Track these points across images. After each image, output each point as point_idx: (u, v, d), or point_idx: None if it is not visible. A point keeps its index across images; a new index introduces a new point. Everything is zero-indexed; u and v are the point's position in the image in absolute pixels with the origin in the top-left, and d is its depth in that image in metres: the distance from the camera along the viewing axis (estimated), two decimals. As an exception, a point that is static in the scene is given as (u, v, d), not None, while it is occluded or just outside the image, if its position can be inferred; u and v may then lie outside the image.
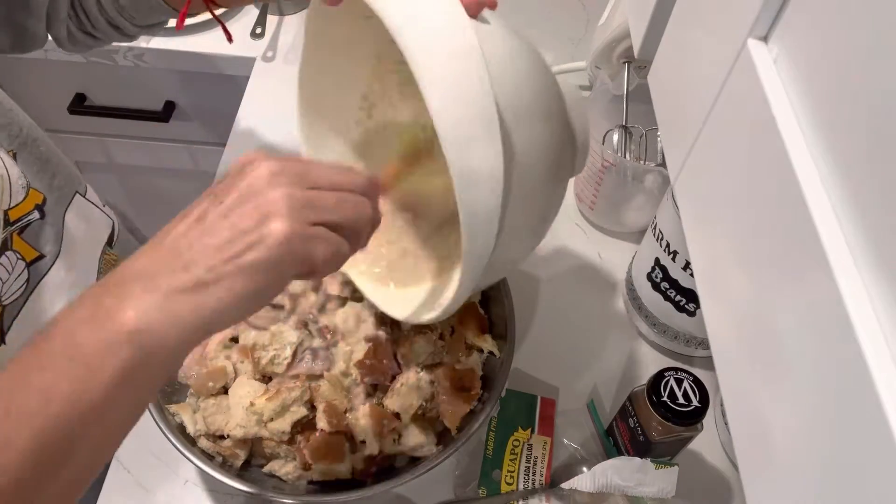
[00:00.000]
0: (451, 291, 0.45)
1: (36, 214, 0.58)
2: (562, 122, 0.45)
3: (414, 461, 0.59)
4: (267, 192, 0.34)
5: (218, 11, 0.57)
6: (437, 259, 0.56)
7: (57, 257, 0.60)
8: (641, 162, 0.78)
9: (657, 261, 0.66)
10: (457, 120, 0.36)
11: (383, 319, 0.63)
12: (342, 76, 0.56)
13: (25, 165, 0.58)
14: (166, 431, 0.55)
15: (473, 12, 0.40)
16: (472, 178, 0.37)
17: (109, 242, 0.69)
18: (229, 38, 0.59)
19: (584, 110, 0.48)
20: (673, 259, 0.64)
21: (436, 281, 0.54)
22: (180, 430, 0.57)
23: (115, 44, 0.94)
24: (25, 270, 0.57)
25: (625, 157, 0.76)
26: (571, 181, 0.87)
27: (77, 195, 0.64)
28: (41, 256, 0.59)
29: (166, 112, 1.08)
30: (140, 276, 0.33)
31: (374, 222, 0.39)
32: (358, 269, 0.57)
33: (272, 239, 0.33)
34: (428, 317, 0.48)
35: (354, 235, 0.38)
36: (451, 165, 0.36)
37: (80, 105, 1.09)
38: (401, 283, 0.56)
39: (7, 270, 0.55)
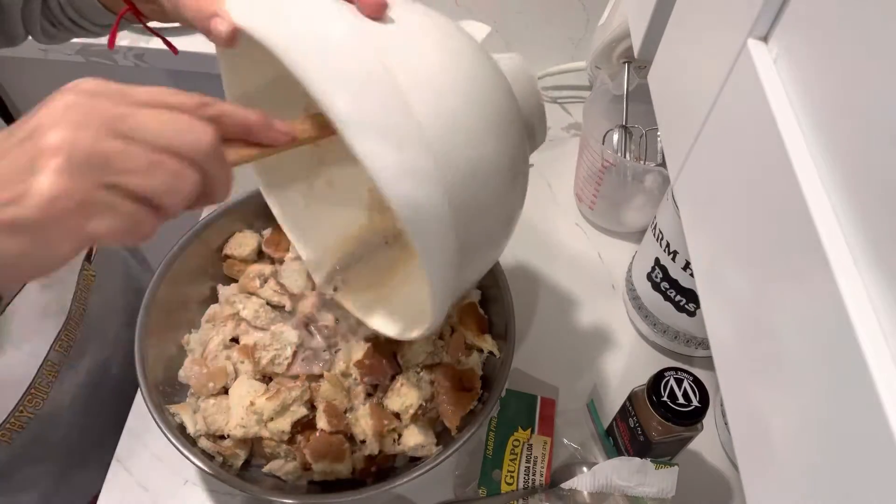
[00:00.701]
0: (428, 306, 0.43)
1: None
2: (504, 101, 0.42)
3: (414, 461, 0.59)
4: (48, 132, 0.27)
5: (158, 25, 0.54)
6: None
7: None
8: (641, 162, 0.78)
9: (657, 261, 0.66)
10: (375, 145, 0.33)
11: (383, 319, 0.63)
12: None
13: None
14: (166, 431, 0.55)
15: (372, 13, 0.37)
16: (411, 202, 0.35)
17: (88, 257, 0.68)
18: (174, 51, 0.57)
19: (530, 81, 0.44)
20: (673, 259, 0.64)
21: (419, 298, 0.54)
22: (180, 430, 0.57)
23: (116, 45, 0.94)
24: None
25: (625, 157, 0.76)
26: (570, 179, 0.87)
27: None
28: None
29: (166, 112, 1.08)
30: None
31: (210, 184, 0.31)
32: (349, 299, 0.57)
33: (33, 199, 0.27)
34: (416, 333, 0.47)
35: (166, 206, 0.30)
36: (381, 189, 0.34)
37: (80, 105, 1.09)
38: (391, 305, 0.56)
39: None
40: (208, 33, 0.40)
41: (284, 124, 0.36)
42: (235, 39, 0.39)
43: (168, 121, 0.30)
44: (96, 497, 0.71)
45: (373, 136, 0.34)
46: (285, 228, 0.58)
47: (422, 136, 0.35)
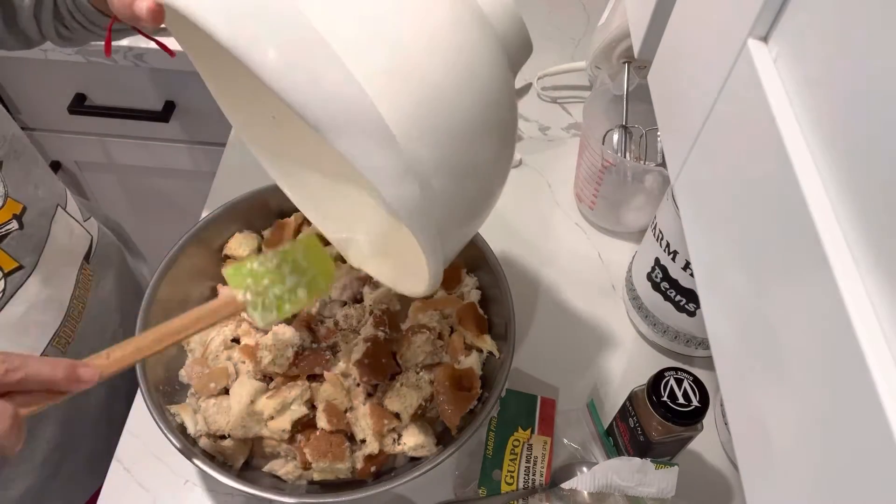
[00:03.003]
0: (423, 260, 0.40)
1: (14, 224, 0.58)
2: (463, 21, 0.37)
3: (414, 461, 0.59)
4: None
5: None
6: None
7: (34, 269, 0.60)
8: (641, 162, 0.78)
9: (657, 261, 0.66)
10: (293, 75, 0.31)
11: (382, 320, 0.63)
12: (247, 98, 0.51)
13: (9, 175, 0.58)
14: (166, 431, 0.55)
15: None
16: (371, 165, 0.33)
17: (87, 257, 0.69)
18: (169, 53, 0.56)
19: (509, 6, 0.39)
20: (673, 259, 0.64)
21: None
22: (181, 431, 0.57)
23: (114, 43, 0.94)
24: (2, 280, 0.57)
25: (625, 157, 0.76)
26: (570, 179, 0.87)
27: (58, 208, 0.64)
28: (19, 267, 0.58)
29: (166, 112, 1.08)
30: None
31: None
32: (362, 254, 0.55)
33: None
34: (420, 289, 0.45)
35: None
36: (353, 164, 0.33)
37: (80, 105, 1.09)
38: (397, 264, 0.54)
39: None
40: (134, 19, 0.40)
41: (91, 368, 0.40)
42: (160, 15, 0.39)
43: None
44: (95, 496, 0.71)
45: (314, 98, 0.32)
46: (304, 210, 0.56)
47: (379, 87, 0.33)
